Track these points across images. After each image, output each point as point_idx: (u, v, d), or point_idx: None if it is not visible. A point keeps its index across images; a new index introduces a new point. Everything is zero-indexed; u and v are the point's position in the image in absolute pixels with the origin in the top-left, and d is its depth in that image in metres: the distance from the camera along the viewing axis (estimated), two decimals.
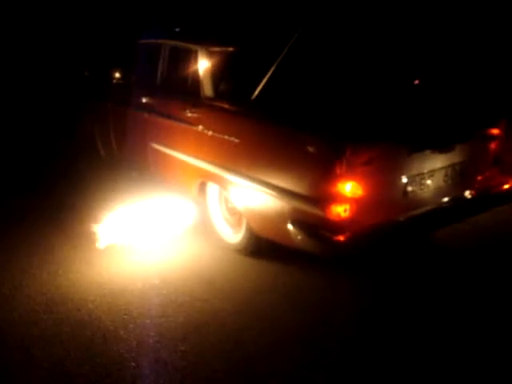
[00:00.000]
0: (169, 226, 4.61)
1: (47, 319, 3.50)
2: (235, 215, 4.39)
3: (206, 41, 4.60)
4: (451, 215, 4.08)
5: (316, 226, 3.52)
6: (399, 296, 3.77)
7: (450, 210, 4.05)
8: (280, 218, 3.75)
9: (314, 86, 4.24)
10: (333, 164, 3.34)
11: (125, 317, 3.50)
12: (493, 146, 4.31)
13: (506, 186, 4.37)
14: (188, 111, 4.45)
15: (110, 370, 2.98)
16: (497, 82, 5.02)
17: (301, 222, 3.62)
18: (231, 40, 4.64)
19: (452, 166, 4.04)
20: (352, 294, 3.81)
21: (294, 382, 2.94)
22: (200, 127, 4.31)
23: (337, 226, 3.43)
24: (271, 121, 3.84)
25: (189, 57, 4.61)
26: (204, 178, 4.48)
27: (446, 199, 4.03)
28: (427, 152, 3.83)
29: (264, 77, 3.98)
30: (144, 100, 5.02)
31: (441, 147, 3.88)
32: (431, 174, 3.93)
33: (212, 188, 4.52)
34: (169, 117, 4.74)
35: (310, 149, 3.46)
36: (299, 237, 3.63)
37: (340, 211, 3.38)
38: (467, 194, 4.11)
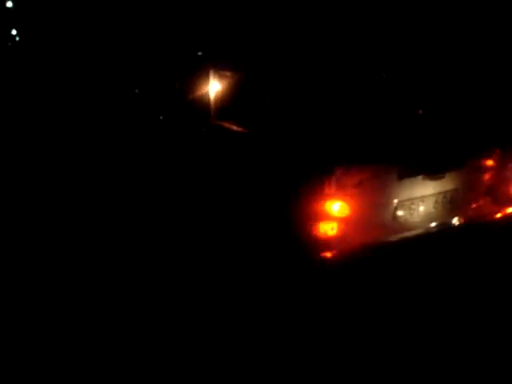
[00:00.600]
0: None
1: None
2: None
3: None
4: (440, 242, 4.20)
5: (305, 244, 3.69)
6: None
7: (438, 236, 4.16)
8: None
9: (310, 109, 4.43)
10: (322, 184, 3.53)
11: None
12: (485, 175, 4.44)
13: (497, 216, 4.46)
14: None
15: None
16: (492, 112, 5.15)
17: (291, 239, 3.80)
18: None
19: (443, 193, 4.18)
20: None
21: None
22: None
23: (324, 244, 3.61)
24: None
25: None
26: None
27: (435, 226, 4.13)
28: (418, 178, 3.99)
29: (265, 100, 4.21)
30: None
31: (432, 174, 4.02)
32: (421, 199, 4.09)
33: None
34: None
35: (304, 169, 3.66)
36: (289, 254, 3.82)
37: (327, 229, 3.56)
38: (456, 222, 4.19)
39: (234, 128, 4.41)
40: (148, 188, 5.54)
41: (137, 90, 6.20)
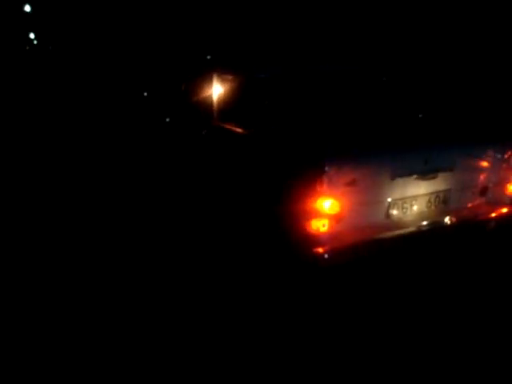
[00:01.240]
0: None
1: None
2: None
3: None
4: (432, 241, 4.31)
5: (298, 239, 3.83)
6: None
7: (431, 235, 4.26)
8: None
9: (305, 110, 4.58)
10: (315, 181, 3.67)
11: None
12: (478, 175, 4.54)
13: (490, 216, 4.56)
14: None
15: None
16: (485, 112, 5.24)
17: (286, 234, 3.94)
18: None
19: (436, 193, 4.29)
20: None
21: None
22: None
23: (316, 239, 3.75)
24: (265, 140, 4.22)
25: None
26: None
27: (427, 225, 4.24)
28: (411, 178, 4.11)
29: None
30: None
31: (425, 174, 4.14)
32: (414, 199, 4.20)
33: None
34: None
35: (297, 167, 3.81)
36: (283, 248, 3.97)
37: (319, 225, 3.70)
38: (449, 221, 4.29)
39: (235, 129, 4.56)
40: (154, 185, 5.73)
41: (145, 93, 6.39)
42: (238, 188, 4.38)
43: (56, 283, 4.35)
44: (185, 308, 3.99)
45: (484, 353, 3.51)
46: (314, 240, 3.73)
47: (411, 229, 4.15)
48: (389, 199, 4.07)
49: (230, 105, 4.75)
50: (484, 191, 4.59)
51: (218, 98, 4.86)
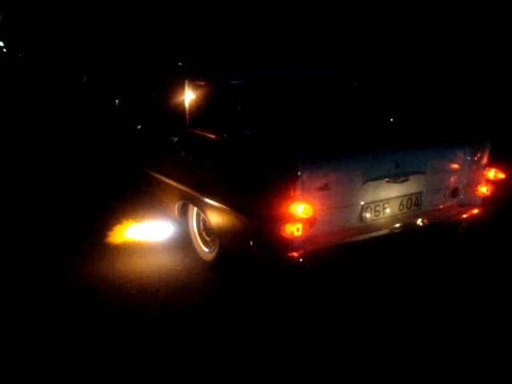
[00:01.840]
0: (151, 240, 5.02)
1: None
2: (211, 235, 4.75)
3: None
4: (405, 242, 4.36)
5: (273, 243, 3.85)
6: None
7: (404, 237, 4.31)
8: (245, 237, 4.10)
9: (277, 116, 4.61)
10: (288, 186, 3.69)
11: None
12: (449, 178, 4.61)
13: (462, 217, 4.62)
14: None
15: None
16: (455, 116, 5.33)
17: (261, 239, 3.95)
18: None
19: (408, 195, 4.35)
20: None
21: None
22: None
23: (290, 244, 3.77)
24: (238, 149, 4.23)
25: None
26: (185, 200, 4.86)
27: (400, 227, 4.28)
28: (383, 181, 4.15)
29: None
30: None
31: (396, 178, 4.19)
32: (387, 201, 4.25)
33: (192, 209, 4.89)
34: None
35: (270, 173, 3.83)
36: (259, 253, 3.97)
37: (293, 230, 3.71)
38: (421, 223, 4.34)
39: (208, 135, 4.56)
40: (126, 191, 5.71)
41: (117, 101, 6.36)
42: (211, 194, 4.36)
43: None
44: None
45: (458, 352, 3.54)
46: (288, 244, 3.74)
47: (384, 231, 4.20)
48: (361, 202, 4.11)
49: (202, 111, 4.75)
50: (455, 193, 4.66)
51: (191, 105, 4.86)
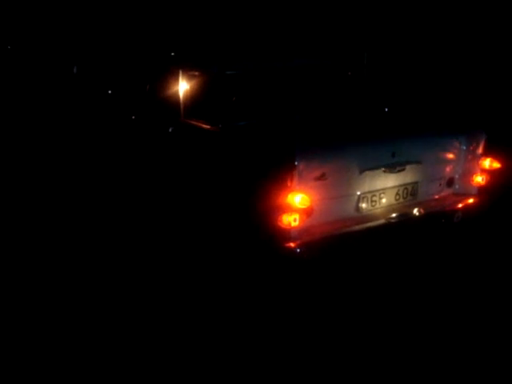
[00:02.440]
0: None
1: None
2: None
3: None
4: (402, 232, 4.35)
5: (270, 234, 3.83)
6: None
7: (400, 227, 4.30)
8: (242, 228, 4.09)
9: (273, 106, 4.58)
10: (285, 176, 3.67)
11: None
12: (445, 168, 4.60)
13: (458, 207, 4.62)
14: None
15: None
16: (451, 106, 5.31)
17: (258, 230, 3.94)
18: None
19: (404, 185, 4.34)
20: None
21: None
22: None
23: (288, 234, 3.75)
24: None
25: None
26: None
27: (396, 217, 4.28)
28: (379, 171, 4.14)
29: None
30: None
31: (392, 167, 4.18)
32: (383, 191, 4.24)
33: None
34: None
35: (266, 163, 3.81)
36: (257, 244, 3.96)
37: (290, 220, 3.70)
38: (417, 213, 4.34)
39: (202, 125, 4.53)
40: (121, 183, 5.66)
41: (110, 91, 6.30)
42: (207, 185, 4.34)
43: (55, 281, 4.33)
44: (155, 307, 3.93)
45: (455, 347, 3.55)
46: (285, 235, 3.73)
47: (380, 221, 4.20)
48: (358, 192, 4.11)
49: (196, 101, 4.72)
50: (451, 182, 4.66)
51: (185, 95, 4.82)
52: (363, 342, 3.58)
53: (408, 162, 4.28)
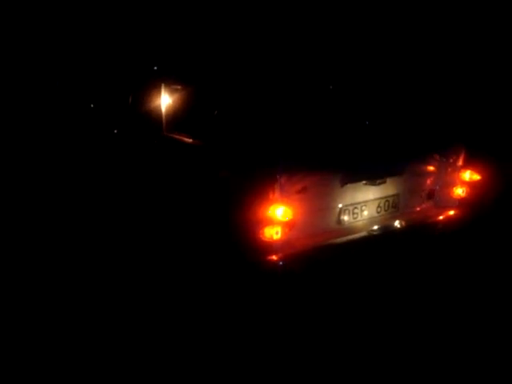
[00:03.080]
0: None
1: None
2: None
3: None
4: (384, 244, 4.38)
5: (252, 247, 3.83)
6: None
7: (381, 239, 4.33)
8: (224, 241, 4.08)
9: (255, 119, 4.60)
10: (267, 189, 3.68)
11: None
12: (426, 180, 4.66)
13: (439, 219, 4.67)
14: None
15: None
16: (430, 118, 5.37)
17: (240, 243, 3.94)
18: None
19: (385, 198, 4.38)
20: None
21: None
22: None
23: (270, 247, 3.76)
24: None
25: None
26: None
27: (378, 229, 4.31)
28: (360, 184, 4.18)
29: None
30: None
31: (373, 180, 4.21)
32: (364, 204, 4.27)
33: None
34: None
35: (248, 177, 3.82)
36: (239, 257, 3.96)
37: (272, 233, 3.71)
38: (398, 225, 4.38)
39: (184, 139, 4.54)
40: (103, 197, 5.64)
41: (92, 105, 6.29)
42: (189, 199, 4.33)
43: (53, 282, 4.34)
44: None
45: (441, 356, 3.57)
46: (267, 248, 3.74)
47: (362, 234, 4.23)
48: (339, 205, 4.13)
49: (179, 115, 4.72)
50: (431, 195, 4.71)
51: (167, 109, 4.82)
52: (348, 354, 3.57)
53: (389, 175, 4.30)
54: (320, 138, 4.47)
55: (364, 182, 4.17)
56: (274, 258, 3.77)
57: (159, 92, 4.91)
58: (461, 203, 4.74)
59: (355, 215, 4.22)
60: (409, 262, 4.60)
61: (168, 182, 4.65)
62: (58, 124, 6.97)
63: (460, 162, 4.69)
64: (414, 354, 3.59)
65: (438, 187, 4.72)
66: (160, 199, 4.78)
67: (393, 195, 4.41)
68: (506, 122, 7.27)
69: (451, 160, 4.67)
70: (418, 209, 4.68)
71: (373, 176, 4.21)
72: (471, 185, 4.70)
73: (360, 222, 4.26)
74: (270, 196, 3.66)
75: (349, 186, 4.11)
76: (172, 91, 4.85)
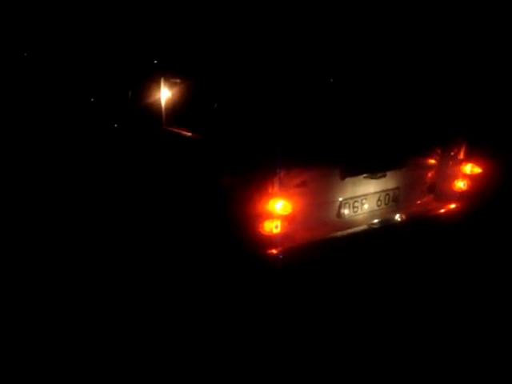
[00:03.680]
0: None
1: None
2: None
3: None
4: (384, 238, 4.37)
5: (252, 241, 3.82)
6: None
7: (382, 232, 4.32)
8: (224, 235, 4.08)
9: (254, 113, 4.57)
10: (266, 183, 3.67)
11: None
12: (426, 174, 4.64)
13: (439, 213, 4.65)
14: None
15: None
16: (431, 112, 5.34)
17: (240, 237, 3.93)
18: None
19: (385, 191, 4.36)
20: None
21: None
22: None
23: (269, 241, 3.75)
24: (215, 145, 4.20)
25: None
26: None
27: (378, 223, 4.29)
28: (360, 177, 4.16)
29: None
30: None
31: (373, 174, 4.19)
32: (365, 197, 4.26)
33: None
34: None
35: (248, 170, 3.80)
36: (239, 251, 3.95)
37: (272, 227, 3.70)
38: (399, 218, 4.36)
39: (184, 133, 4.52)
40: (101, 190, 5.63)
41: (92, 99, 6.29)
42: (189, 193, 4.32)
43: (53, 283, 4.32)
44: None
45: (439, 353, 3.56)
46: (267, 241, 3.73)
47: (362, 227, 4.22)
48: (340, 199, 4.12)
49: (178, 109, 4.71)
50: (432, 188, 4.70)
51: (167, 103, 4.81)
52: (347, 349, 3.57)
53: (389, 168, 4.28)
54: (320, 131, 4.44)
55: (364, 175, 4.15)
56: (274, 251, 3.76)
57: (159, 86, 4.90)
58: (461, 196, 4.72)
59: (355, 209, 4.20)
60: (409, 255, 4.58)
61: (167, 176, 4.64)
62: (58, 118, 6.97)
63: (461, 155, 4.67)
64: (414, 350, 3.57)
65: (438, 180, 4.70)
66: (159, 193, 4.77)
67: (393, 188, 4.39)
68: (507, 114, 7.24)
69: (452, 153, 4.65)
70: (419, 202, 4.66)
71: (373, 169, 4.18)
72: (472, 178, 4.68)
73: (360, 216, 4.25)
74: (270, 190, 3.65)
75: (349, 179, 4.09)
76: (171, 85, 4.84)
